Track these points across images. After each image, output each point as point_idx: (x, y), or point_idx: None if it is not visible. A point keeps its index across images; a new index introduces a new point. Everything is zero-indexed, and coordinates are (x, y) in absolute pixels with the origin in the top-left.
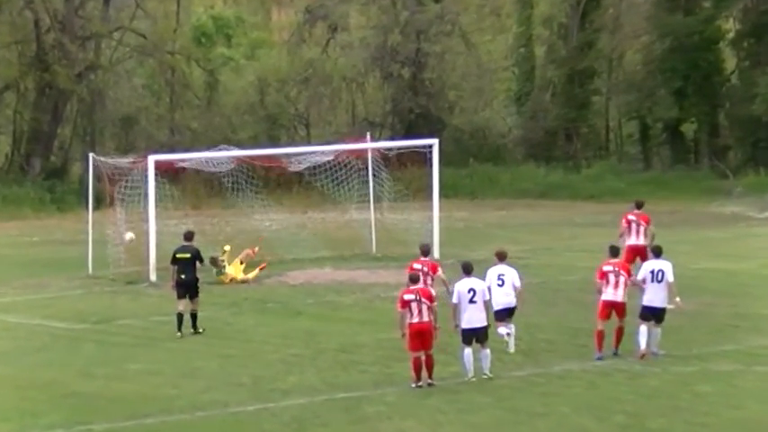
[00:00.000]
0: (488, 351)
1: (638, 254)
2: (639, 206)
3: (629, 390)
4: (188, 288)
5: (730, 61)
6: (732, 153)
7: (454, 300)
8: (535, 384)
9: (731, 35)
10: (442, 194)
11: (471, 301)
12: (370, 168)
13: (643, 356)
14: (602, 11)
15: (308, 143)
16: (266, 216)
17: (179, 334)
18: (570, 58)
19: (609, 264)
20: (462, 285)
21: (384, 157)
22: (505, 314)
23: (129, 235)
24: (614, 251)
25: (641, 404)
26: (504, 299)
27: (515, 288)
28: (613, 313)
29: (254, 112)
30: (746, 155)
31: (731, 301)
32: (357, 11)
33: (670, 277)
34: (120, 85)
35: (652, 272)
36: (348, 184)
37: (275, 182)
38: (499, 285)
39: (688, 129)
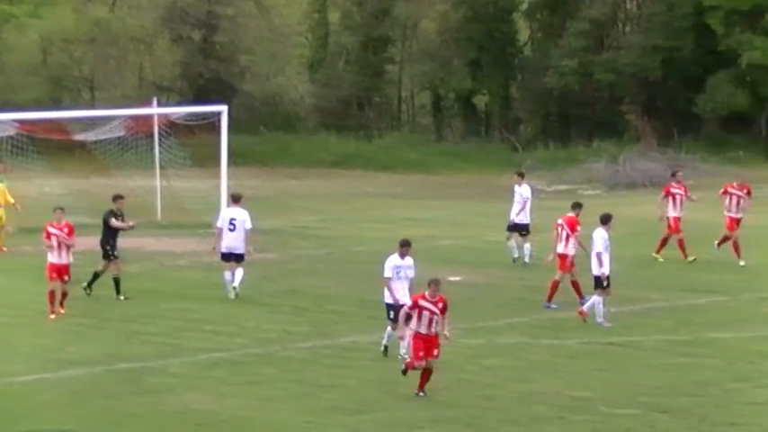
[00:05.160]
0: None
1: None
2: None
3: None
4: None
5: (524, 33)
6: (523, 126)
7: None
8: (323, 356)
9: (525, 6)
10: (232, 162)
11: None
12: (156, 134)
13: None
14: None
15: (93, 106)
16: (46, 181)
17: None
18: (365, 26)
19: (560, 218)
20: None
21: (171, 123)
22: (233, 259)
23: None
24: (573, 206)
25: None
26: (233, 243)
27: (246, 232)
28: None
29: (36, 72)
30: (537, 128)
31: (521, 273)
32: None
33: (596, 247)
34: None
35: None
36: (134, 149)
37: (57, 146)
38: (230, 230)
39: (480, 100)
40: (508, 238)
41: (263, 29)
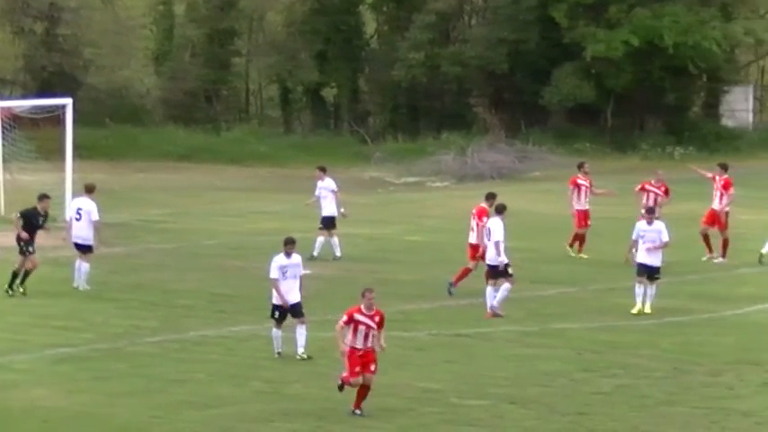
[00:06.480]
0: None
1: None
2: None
3: (267, 356)
4: None
5: (371, 25)
6: (372, 118)
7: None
8: (172, 351)
9: None
10: (78, 155)
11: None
12: None
13: (493, 316)
14: None
15: None
16: None
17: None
18: (210, 18)
19: (474, 208)
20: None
21: (15, 116)
22: (84, 250)
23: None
24: (487, 196)
25: (278, 370)
26: (80, 233)
27: (91, 223)
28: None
29: None
30: (386, 121)
31: (371, 266)
32: None
33: (495, 236)
34: None
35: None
36: None
37: None
38: (77, 219)
39: (329, 93)
40: (332, 235)
41: (107, 21)
